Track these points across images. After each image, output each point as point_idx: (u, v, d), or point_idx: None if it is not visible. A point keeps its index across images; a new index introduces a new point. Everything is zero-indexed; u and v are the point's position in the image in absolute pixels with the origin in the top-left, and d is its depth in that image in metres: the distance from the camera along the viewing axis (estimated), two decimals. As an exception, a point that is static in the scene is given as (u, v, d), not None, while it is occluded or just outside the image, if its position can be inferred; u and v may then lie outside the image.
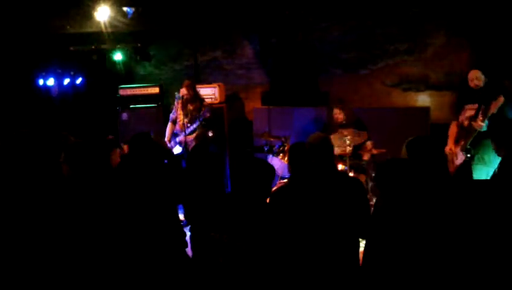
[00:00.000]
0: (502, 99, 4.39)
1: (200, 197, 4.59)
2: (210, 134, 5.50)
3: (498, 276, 2.62)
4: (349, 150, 5.43)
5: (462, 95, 4.81)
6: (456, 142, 4.82)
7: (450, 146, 4.83)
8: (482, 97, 4.55)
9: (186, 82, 6.00)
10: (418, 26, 6.59)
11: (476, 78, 4.62)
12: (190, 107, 5.91)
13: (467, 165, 4.64)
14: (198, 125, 5.81)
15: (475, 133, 4.54)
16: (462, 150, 4.68)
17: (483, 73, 4.64)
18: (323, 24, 7.01)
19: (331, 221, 3.03)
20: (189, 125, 5.77)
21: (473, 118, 4.61)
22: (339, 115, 5.71)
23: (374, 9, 6.72)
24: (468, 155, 4.60)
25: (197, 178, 4.80)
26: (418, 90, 6.79)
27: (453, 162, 4.77)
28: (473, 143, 4.60)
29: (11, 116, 6.59)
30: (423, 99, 6.76)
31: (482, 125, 4.49)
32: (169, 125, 6.14)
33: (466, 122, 4.67)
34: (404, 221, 2.57)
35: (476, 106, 4.61)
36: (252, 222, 2.79)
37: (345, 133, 5.44)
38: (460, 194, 2.65)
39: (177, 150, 6.00)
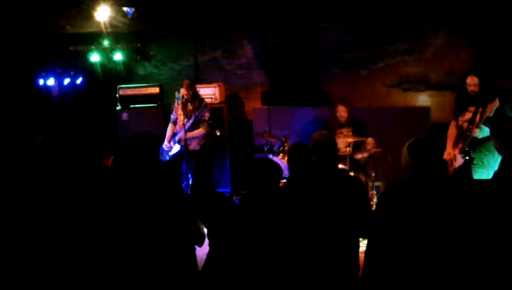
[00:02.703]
0: (497, 102, 4.40)
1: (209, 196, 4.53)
2: (218, 133, 5.49)
3: (499, 276, 2.62)
4: (349, 150, 5.43)
5: (461, 96, 4.82)
6: (455, 143, 4.82)
7: (448, 150, 4.83)
8: (479, 101, 4.57)
9: (186, 82, 6.01)
10: (418, 26, 6.58)
11: (474, 84, 4.63)
12: (190, 107, 5.91)
13: (466, 168, 4.64)
14: (194, 120, 5.80)
15: (471, 137, 4.57)
16: (460, 153, 4.69)
17: (481, 76, 4.62)
18: (323, 24, 7.00)
19: (331, 219, 3.03)
20: (187, 125, 5.77)
21: (471, 121, 4.63)
22: (343, 112, 5.66)
23: (374, 9, 6.71)
24: (467, 158, 4.62)
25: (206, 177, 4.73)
26: (418, 90, 6.78)
27: (451, 165, 4.78)
28: (471, 146, 4.61)
29: (11, 116, 6.60)
30: (423, 99, 6.75)
31: (477, 131, 4.52)
32: (170, 126, 6.14)
33: (465, 125, 4.70)
34: (406, 221, 2.57)
35: (474, 108, 4.63)
36: (262, 220, 2.81)
37: (345, 133, 5.44)
38: (461, 193, 2.65)
39: (176, 148, 6.00)
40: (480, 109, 4.52)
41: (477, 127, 4.52)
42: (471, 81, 4.63)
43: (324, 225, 3.02)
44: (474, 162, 4.60)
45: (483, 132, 4.49)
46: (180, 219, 3.11)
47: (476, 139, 4.57)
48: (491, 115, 4.45)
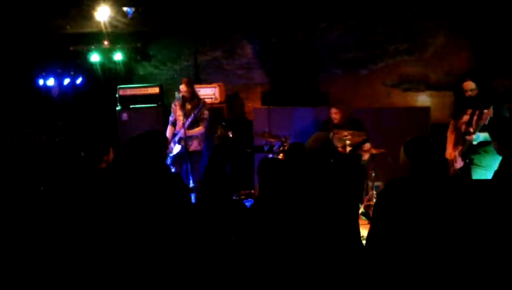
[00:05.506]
0: (491, 111, 4.39)
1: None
2: (230, 135, 5.47)
3: (498, 276, 2.62)
4: (349, 150, 5.42)
5: (459, 98, 4.83)
6: (455, 144, 4.84)
7: (449, 151, 4.86)
8: (476, 103, 4.58)
9: (185, 79, 6.04)
10: (418, 26, 6.59)
11: (470, 90, 4.66)
12: (189, 106, 5.92)
13: (467, 169, 4.65)
14: (193, 120, 5.81)
15: (469, 142, 4.59)
16: (460, 155, 4.72)
17: (477, 81, 4.63)
18: (323, 24, 7.01)
19: (332, 212, 3.06)
20: (187, 123, 5.78)
21: (468, 123, 4.66)
22: (334, 114, 5.67)
23: (374, 9, 6.72)
24: (467, 160, 4.63)
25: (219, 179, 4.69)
26: (418, 90, 6.79)
27: (452, 166, 4.80)
28: (471, 148, 4.62)
29: (11, 116, 6.60)
30: (423, 99, 6.76)
31: (473, 137, 4.53)
32: (169, 128, 6.14)
33: (463, 127, 4.72)
34: (402, 217, 2.58)
35: (471, 111, 4.65)
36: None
37: (345, 133, 5.43)
38: (457, 192, 2.66)
39: (176, 149, 6.00)
40: (477, 112, 4.55)
41: (474, 133, 4.54)
42: (468, 87, 4.66)
43: (324, 219, 3.05)
44: (474, 162, 4.61)
45: (479, 138, 4.51)
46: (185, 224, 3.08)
47: (472, 145, 4.58)
48: (487, 123, 4.44)
